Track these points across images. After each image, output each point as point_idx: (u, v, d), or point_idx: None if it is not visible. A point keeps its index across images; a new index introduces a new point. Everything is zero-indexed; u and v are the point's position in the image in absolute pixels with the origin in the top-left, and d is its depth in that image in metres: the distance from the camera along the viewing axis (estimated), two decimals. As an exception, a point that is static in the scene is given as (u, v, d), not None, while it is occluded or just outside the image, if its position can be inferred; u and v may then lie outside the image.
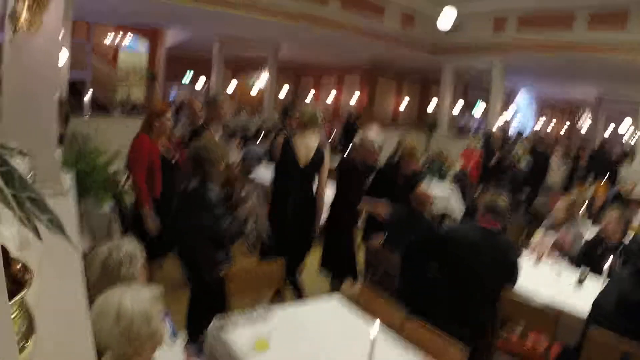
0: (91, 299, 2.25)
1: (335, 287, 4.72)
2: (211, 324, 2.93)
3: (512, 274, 3.77)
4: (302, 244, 4.65)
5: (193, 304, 3.77)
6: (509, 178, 9.25)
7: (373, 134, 4.68)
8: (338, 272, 4.96)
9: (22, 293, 0.86)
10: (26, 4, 1.67)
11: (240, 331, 2.79)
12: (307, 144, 4.54)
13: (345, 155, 4.95)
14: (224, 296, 3.44)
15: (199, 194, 3.47)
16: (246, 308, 3.21)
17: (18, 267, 0.96)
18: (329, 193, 4.87)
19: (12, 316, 0.84)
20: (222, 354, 2.75)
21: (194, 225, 3.46)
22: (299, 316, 3.10)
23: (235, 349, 2.64)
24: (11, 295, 0.87)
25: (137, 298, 1.79)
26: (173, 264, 4.41)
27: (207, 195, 3.45)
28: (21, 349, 0.87)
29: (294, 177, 4.53)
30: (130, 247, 2.31)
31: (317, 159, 4.55)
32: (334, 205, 4.86)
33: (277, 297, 4.15)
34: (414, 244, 4.20)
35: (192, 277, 3.75)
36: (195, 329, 3.69)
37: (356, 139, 4.67)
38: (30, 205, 0.81)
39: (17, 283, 0.92)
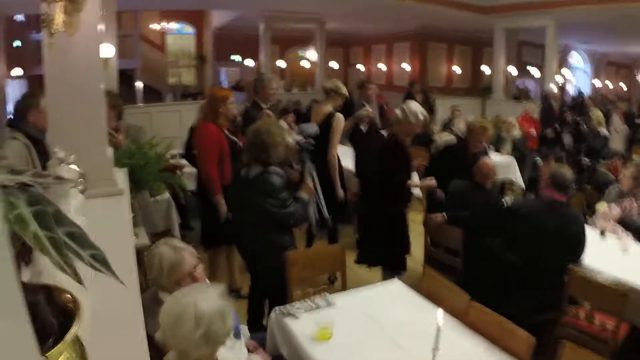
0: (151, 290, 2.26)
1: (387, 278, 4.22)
2: (272, 313, 2.90)
3: (578, 246, 3.61)
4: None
5: (254, 292, 3.75)
6: (587, 147, 8.67)
7: (414, 105, 4.40)
8: (390, 263, 4.51)
9: (72, 331, 0.81)
10: (59, 4, 1.63)
11: (301, 320, 2.76)
12: (319, 110, 4.94)
13: (386, 133, 4.69)
14: (285, 282, 3.40)
15: (263, 180, 3.35)
16: (305, 293, 3.16)
17: (66, 297, 0.90)
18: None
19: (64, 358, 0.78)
20: (284, 344, 2.73)
21: (260, 212, 3.36)
22: (360, 303, 3.04)
23: (298, 339, 2.61)
24: (61, 330, 0.82)
25: (209, 298, 1.78)
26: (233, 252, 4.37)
27: (271, 180, 3.34)
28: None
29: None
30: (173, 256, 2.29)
31: (324, 124, 4.70)
32: (374, 191, 4.47)
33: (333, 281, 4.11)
34: (476, 219, 4.08)
35: (254, 264, 3.71)
36: (257, 317, 3.70)
37: (397, 111, 4.38)
38: (70, 242, 0.75)
39: (65, 315, 0.87)
